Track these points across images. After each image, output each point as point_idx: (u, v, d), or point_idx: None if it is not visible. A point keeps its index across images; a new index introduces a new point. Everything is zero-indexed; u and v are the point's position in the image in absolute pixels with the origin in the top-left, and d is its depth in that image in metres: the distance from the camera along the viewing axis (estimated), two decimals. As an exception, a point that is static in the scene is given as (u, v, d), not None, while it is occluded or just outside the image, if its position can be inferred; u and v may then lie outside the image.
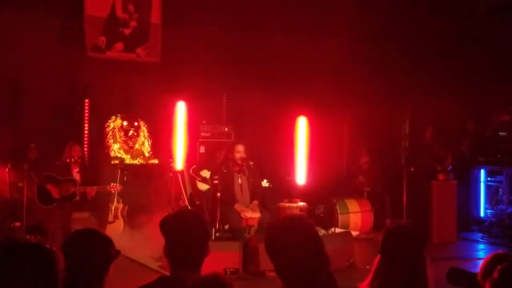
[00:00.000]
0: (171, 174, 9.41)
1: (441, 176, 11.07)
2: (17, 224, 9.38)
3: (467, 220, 11.59)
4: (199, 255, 3.14)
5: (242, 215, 9.00)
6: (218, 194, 8.76)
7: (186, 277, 3.03)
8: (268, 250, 2.80)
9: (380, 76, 12.36)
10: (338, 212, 10.89)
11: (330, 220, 10.59)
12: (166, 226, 3.24)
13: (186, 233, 3.15)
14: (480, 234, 11.28)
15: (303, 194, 10.29)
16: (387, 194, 11.46)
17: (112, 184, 9.73)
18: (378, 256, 3.47)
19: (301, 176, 10.47)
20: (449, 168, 11.50)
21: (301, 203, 9.67)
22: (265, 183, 9.79)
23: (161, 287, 3.13)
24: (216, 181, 8.96)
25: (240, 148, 9.31)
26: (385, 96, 12.49)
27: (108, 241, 3.16)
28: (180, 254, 3.12)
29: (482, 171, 11.85)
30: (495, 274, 2.92)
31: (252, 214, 9.04)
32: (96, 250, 3.07)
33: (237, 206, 9.08)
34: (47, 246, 2.29)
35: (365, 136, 12.14)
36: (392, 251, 3.41)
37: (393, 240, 3.47)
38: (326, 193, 11.15)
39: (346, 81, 12.13)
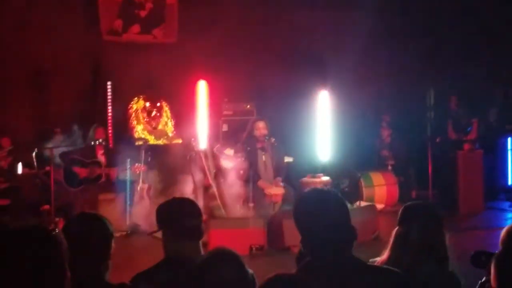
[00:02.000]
0: (194, 154, 9.44)
1: (466, 146, 10.98)
2: (46, 207, 9.52)
3: (494, 189, 11.49)
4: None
5: (266, 192, 9.03)
6: (242, 172, 8.79)
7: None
8: (296, 220, 2.80)
9: (404, 47, 12.25)
10: (363, 185, 10.87)
11: (355, 194, 10.56)
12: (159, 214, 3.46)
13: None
14: (507, 203, 11.17)
15: (327, 168, 10.30)
16: (412, 166, 11.40)
17: (136, 165, 9.82)
18: (397, 228, 3.54)
19: (324, 150, 10.46)
20: (475, 138, 11.40)
21: (325, 178, 9.68)
22: (288, 158, 9.77)
23: (168, 267, 3.20)
24: (239, 159, 8.98)
25: (260, 125, 9.31)
26: (410, 67, 12.39)
27: (104, 223, 3.18)
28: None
29: (509, 139, 11.72)
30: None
31: (276, 191, 9.06)
32: (93, 232, 3.10)
33: (260, 183, 9.11)
34: (50, 229, 2.31)
35: (389, 108, 12.06)
36: (410, 224, 3.48)
37: (411, 213, 3.56)
38: (351, 167, 11.11)
39: (370, 54, 12.05)
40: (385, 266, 2.87)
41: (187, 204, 3.53)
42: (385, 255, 3.49)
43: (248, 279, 2.56)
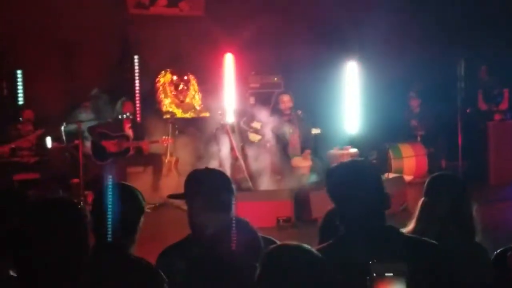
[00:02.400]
0: (221, 126, 9.45)
1: (497, 117, 10.83)
2: (76, 180, 9.62)
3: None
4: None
5: (293, 164, 9.01)
6: (268, 145, 8.79)
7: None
8: (330, 191, 2.78)
9: (435, 16, 12.06)
10: (392, 157, 10.79)
11: (383, 165, 10.50)
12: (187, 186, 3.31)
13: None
14: (539, 174, 11.01)
15: (355, 140, 10.24)
16: (442, 136, 11.27)
17: (163, 137, 9.87)
18: (423, 199, 3.54)
19: (352, 122, 10.40)
20: (506, 108, 11.22)
21: (353, 150, 9.63)
22: (316, 130, 9.71)
23: (199, 241, 3.15)
24: (267, 132, 8.95)
25: (285, 98, 9.27)
26: (440, 37, 12.20)
27: (137, 196, 3.17)
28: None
29: (542, 109, 11.52)
30: None
31: (303, 163, 9.04)
32: (125, 204, 3.08)
33: (293, 161, 9.07)
34: (74, 200, 2.35)
35: (418, 78, 11.91)
36: (436, 194, 3.47)
37: (438, 184, 3.55)
38: (379, 139, 11.03)
39: (399, 23, 11.86)
40: (422, 237, 2.84)
41: (222, 176, 3.39)
42: (411, 226, 3.48)
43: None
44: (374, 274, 1.51)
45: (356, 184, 2.71)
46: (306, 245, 2.14)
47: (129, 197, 3.12)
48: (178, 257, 3.02)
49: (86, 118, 10.22)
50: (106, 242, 2.89)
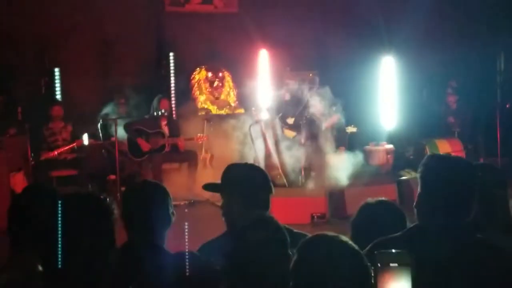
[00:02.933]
0: (255, 123, 9.45)
1: (537, 112, 10.63)
2: (112, 177, 9.72)
3: None
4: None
5: (327, 160, 8.97)
6: (303, 141, 8.77)
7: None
8: (422, 178, 2.77)
9: (474, 10, 11.88)
10: (428, 153, 10.64)
11: (419, 162, 10.33)
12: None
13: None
14: None
15: (391, 136, 10.16)
16: (480, 133, 11.10)
17: (198, 135, 9.91)
18: None
19: (389, 118, 10.32)
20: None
21: (388, 146, 9.56)
22: (352, 127, 9.66)
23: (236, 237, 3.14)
24: (301, 127, 8.91)
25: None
26: (479, 31, 12.01)
27: (164, 192, 3.20)
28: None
29: None
30: None
31: (338, 159, 8.99)
32: (152, 201, 3.11)
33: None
34: (102, 196, 2.37)
35: (456, 73, 11.74)
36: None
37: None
38: (416, 135, 10.91)
39: (437, 17, 11.72)
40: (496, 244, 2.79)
41: (262, 174, 3.36)
42: None
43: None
44: (379, 264, 1.50)
45: (449, 183, 2.70)
46: (343, 236, 2.13)
47: (158, 195, 3.17)
48: (215, 252, 3.02)
49: (122, 115, 10.32)
50: (138, 238, 2.94)
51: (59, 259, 2.26)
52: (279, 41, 10.52)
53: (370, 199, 3.42)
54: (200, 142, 9.96)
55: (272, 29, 10.68)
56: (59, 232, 2.28)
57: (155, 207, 3.14)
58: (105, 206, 2.33)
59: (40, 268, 2.53)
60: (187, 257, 2.23)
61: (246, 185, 3.22)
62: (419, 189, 2.80)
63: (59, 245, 2.26)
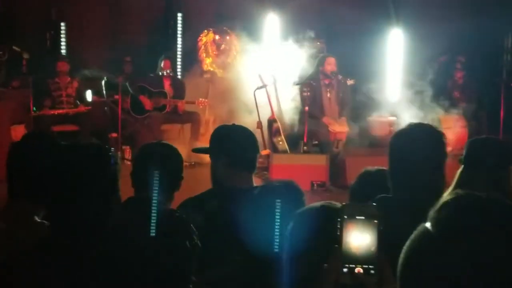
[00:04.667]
0: (260, 87, 9.41)
1: (543, 92, 10.59)
2: (114, 135, 9.73)
3: None
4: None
5: (330, 129, 8.95)
6: (306, 108, 8.73)
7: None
8: (390, 149, 2.77)
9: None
10: (431, 127, 10.63)
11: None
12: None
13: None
14: None
15: (394, 109, 10.12)
16: (484, 109, 11.08)
17: (200, 99, 9.88)
18: (461, 167, 3.36)
19: (394, 90, 10.29)
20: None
21: (392, 118, 9.55)
22: (350, 80, 9.51)
23: (220, 195, 3.18)
24: (305, 94, 8.86)
25: (331, 60, 9.16)
26: (487, 8, 11.91)
27: (178, 154, 3.22)
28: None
29: None
30: None
31: (340, 128, 8.99)
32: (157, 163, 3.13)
33: (325, 119, 9.02)
34: (105, 146, 2.37)
35: (463, 49, 11.68)
36: (476, 162, 3.28)
37: (478, 150, 3.34)
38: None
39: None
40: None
41: (249, 134, 3.39)
42: (446, 196, 3.36)
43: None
44: (345, 217, 1.50)
45: (416, 151, 2.71)
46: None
47: (171, 155, 3.19)
48: (196, 208, 3.05)
49: (127, 73, 10.29)
50: (143, 196, 2.96)
51: (60, 207, 2.25)
52: (286, 7, 10.42)
53: (369, 167, 3.42)
54: (201, 106, 9.93)
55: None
56: (60, 179, 2.27)
57: (170, 167, 3.16)
58: (109, 154, 2.33)
59: (37, 218, 2.53)
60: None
61: (232, 145, 3.25)
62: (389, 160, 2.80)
63: (61, 193, 2.26)
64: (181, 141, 9.68)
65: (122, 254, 1.95)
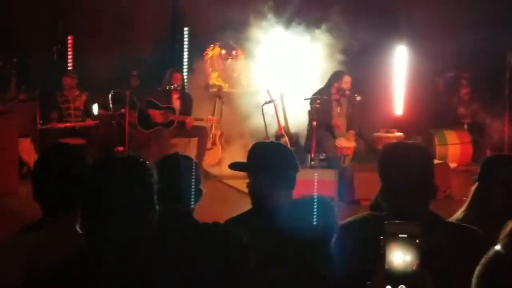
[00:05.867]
0: (267, 102, 9.46)
1: (547, 108, 10.64)
2: (121, 148, 9.74)
3: None
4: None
5: (337, 144, 8.99)
6: (315, 123, 8.77)
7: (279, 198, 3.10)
8: (379, 169, 2.77)
9: (489, 4, 11.85)
10: (436, 143, 10.68)
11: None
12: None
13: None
14: None
15: (401, 124, 10.17)
16: (489, 126, 11.14)
17: (209, 116, 9.89)
18: (476, 184, 3.35)
19: (399, 106, 10.35)
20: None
21: (398, 134, 9.59)
22: (358, 96, 9.56)
23: (261, 214, 3.16)
24: (316, 106, 8.88)
25: (347, 79, 9.20)
26: (490, 24, 11.99)
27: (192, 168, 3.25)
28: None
29: None
30: None
31: (347, 143, 9.02)
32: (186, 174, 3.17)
33: (334, 121, 9.03)
34: (141, 158, 2.38)
35: (467, 65, 11.75)
36: (491, 178, 3.26)
37: (493, 166, 3.33)
38: (425, 124, 10.94)
39: (449, 8, 11.70)
40: (463, 224, 2.80)
41: (288, 152, 3.35)
42: (461, 214, 3.28)
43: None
44: (389, 235, 1.54)
45: (405, 167, 2.68)
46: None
47: (192, 167, 3.21)
48: (240, 228, 3.03)
49: (133, 87, 10.32)
50: (173, 208, 2.99)
51: (98, 222, 2.26)
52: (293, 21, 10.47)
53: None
54: (209, 123, 9.94)
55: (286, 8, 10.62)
56: (97, 192, 2.28)
57: (192, 179, 3.19)
58: (146, 167, 2.34)
59: (78, 229, 2.54)
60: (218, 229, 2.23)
61: (273, 163, 3.20)
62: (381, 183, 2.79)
63: (99, 207, 2.27)
64: (188, 155, 9.67)
65: (167, 268, 1.97)
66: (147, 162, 2.39)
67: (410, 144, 3.05)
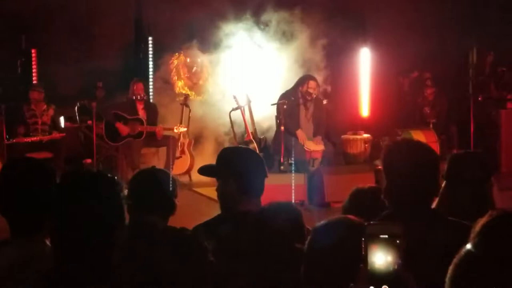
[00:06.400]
0: (235, 109, 9.47)
1: (510, 105, 10.81)
2: (89, 160, 9.68)
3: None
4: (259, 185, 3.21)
5: (305, 148, 9.01)
6: (282, 128, 8.79)
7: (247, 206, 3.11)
8: (385, 166, 2.80)
9: (448, 2, 12.03)
10: (401, 143, 10.77)
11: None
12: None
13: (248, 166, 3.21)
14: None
15: (368, 126, 10.25)
16: (454, 124, 11.29)
17: (178, 125, 9.85)
18: (444, 183, 3.41)
19: (365, 107, 10.43)
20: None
21: (366, 135, 9.66)
22: (324, 100, 9.60)
23: (230, 220, 3.15)
24: (282, 102, 8.87)
25: (313, 84, 9.17)
26: (452, 25, 12.17)
27: (168, 181, 3.26)
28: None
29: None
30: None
31: (316, 147, 9.05)
32: (157, 188, 3.18)
33: (299, 132, 9.05)
34: (109, 175, 2.36)
35: (431, 65, 11.90)
36: (458, 177, 3.34)
37: (460, 165, 3.40)
38: (391, 125, 11.03)
39: (413, 10, 11.85)
40: (464, 221, 2.83)
41: (257, 158, 3.34)
42: None
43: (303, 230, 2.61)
44: (369, 236, 1.56)
45: (410, 164, 2.73)
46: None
47: (168, 179, 3.22)
48: (208, 234, 3.03)
49: (99, 98, 10.26)
50: (142, 219, 2.99)
51: (66, 238, 2.24)
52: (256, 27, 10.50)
53: (361, 186, 3.48)
54: (178, 132, 9.91)
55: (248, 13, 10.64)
56: (64, 212, 2.26)
57: (167, 191, 3.21)
58: (114, 182, 2.32)
59: (48, 243, 2.51)
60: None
61: (242, 168, 3.18)
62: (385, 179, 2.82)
63: (66, 223, 2.25)
64: (157, 164, 9.66)
65: (137, 280, 1.96)
66: (115, 177, 2.38)
67: (415, 142, 3.12)
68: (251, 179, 3.18)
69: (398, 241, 1.55)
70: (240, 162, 3.22)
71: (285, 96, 9.01)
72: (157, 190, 3.18)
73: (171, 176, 3.36)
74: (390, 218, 2.66)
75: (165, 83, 11.18)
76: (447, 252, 2.44)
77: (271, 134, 9.54)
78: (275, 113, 9.24)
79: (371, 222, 1.61)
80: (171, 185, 3.24)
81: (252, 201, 3.17)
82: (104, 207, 2.24)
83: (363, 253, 1.55)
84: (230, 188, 3.16)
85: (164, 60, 11.26)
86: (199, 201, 8.47)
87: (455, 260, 1.49)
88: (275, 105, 9.13)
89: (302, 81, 9.19)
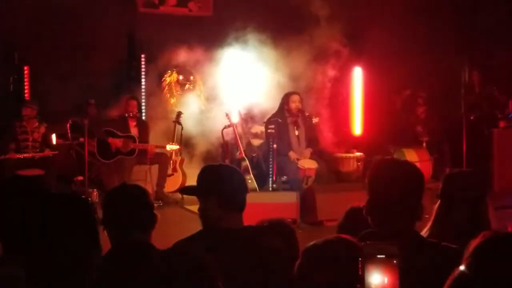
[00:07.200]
0: (227, 127, 9.46)
1: (502, 124, 10.84)
2: (80, 178, 9.61)
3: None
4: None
5: (299, 166, 8.99)
6: (275, 146, 8.77)
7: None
8: (369, 185, 2.78)
9: (439, 23, 12.08)
10: (395, 162, 10.77)
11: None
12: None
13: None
14: (544, 182, 10.99)
15: (360, 144, 10.25)
16: (446, 143, 11.30)
17: (170, 143, 9.82)
18: (438, 202, 3.41)
19: (357, 126, 10.43)
20: (510, 116, 11.24)
21: (358, 153, 9.66)
22: (315, 118, 9.57)
23: (210, 236, 3.16)
24: (271, 130, 8.87)
25: (295, 98, 9.19)
26: (444, 44, 12.22)
27: (140, 195, 3.21)
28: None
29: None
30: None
31: (309, 165, 9.03)
32: (129, 204, 3.13)
33: (291, 154, 9.06)
34: (83, 196, 2.34)
35: (423, 84, 11.93)
36: (453, 196, 3.34)
37: (454, 184, 3.39)
38: (384, 143, 11.04)
39: (404, 29, 11.89)
40: (446, 244, 2.82)
41: (237, 174, 3.36)
42: (426, 232, 3.34)
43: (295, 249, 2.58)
44: (366, 256, 1.55)
45: (393, 182, 2.71)
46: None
47: (144, 196, 3.18)
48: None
49: (92, 115, 10.22)
50: (125, 240, 2.95)
51: (41, 262, 2.19)
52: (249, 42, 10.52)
53: (355, 205, 3.46)
54: (171, 151, 9.88)
55: (242, 33, 10.67)
56: (39, 233, 2.22)
57: (144, 207, 3.16)
58: (89, 206, 2.29)
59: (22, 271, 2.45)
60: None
61: (221, 186, 3.20)
62: (368, 196, 2.81)
63: (41, 247, 2.20)
64: (149, 182, 9.64)
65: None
66: (89, 199, 2.36)
67: (400, 161, 3.09)
68: (232, 195, 3.20)
69: (395, 261, 1.53)
70: (219, 180, 3.23)
71: (272, 121, 8.97)
72: (129, 206, 3.14)
73: (141, 188, 3.31)
74: (371, 236, 2.64)
75: (158, 101, 11.17)
76: (430, 276, 2.44)
77: (263, 151, 9.52)
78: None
79: (368, 242, 1.60)
80: (143, 198, 3.19)
81: (234, 218, 3.18)
82: (77, 230, 2.21)
83: (359, 273, 1.53)
84: (211, 205, 3.18)
85: (156, 78, 11.26)
86: (190, 219, 8.40)
87: (448, 281, 1.47)
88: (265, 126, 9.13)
89: (285, 99, 9.19)
